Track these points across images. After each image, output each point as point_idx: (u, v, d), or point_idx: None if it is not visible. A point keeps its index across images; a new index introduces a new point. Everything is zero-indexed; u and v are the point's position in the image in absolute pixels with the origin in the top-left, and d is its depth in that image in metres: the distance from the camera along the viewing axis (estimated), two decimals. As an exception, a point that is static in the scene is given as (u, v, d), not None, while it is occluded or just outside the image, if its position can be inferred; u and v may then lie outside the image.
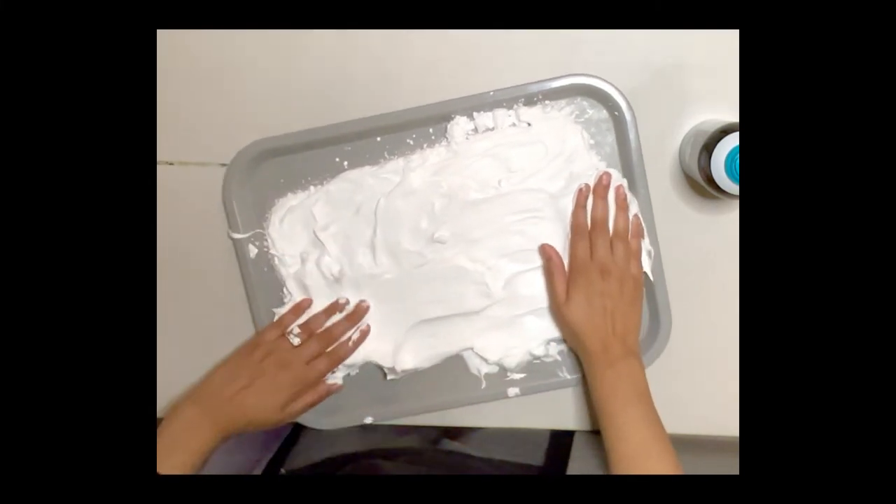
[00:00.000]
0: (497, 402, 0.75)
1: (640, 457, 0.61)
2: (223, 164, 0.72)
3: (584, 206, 0.70)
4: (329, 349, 0.72)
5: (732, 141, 0.59)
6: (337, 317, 0.73)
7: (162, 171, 0.73)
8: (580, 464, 0.75)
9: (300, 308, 0.73)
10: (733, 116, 0.68)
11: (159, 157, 0.72)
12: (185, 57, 0.71)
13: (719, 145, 0.59)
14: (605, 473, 0.63)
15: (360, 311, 0.73)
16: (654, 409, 0.64)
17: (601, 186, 0.69)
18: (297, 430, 0.87)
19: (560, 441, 0.80)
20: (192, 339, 0.75)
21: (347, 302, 0.73)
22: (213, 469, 0.67)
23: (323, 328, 0.72)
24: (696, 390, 0.74)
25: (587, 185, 0.70)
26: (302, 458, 0.82)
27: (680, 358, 0.73)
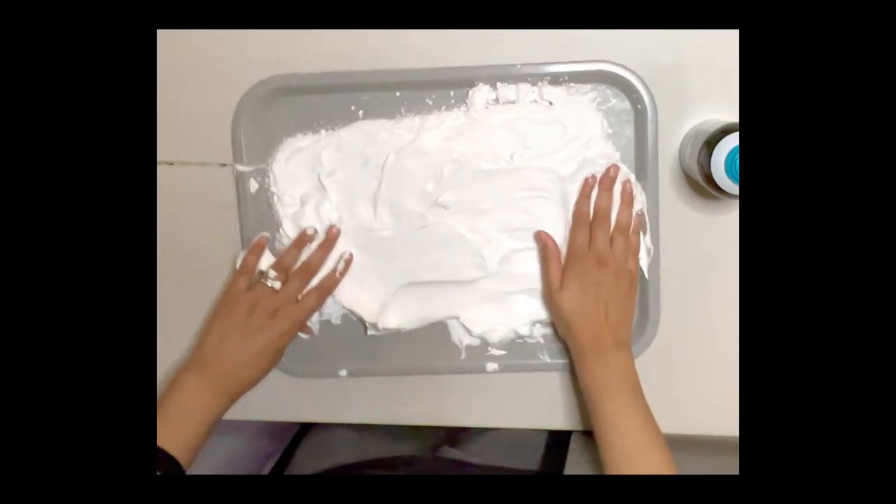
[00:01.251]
0: (496, 402, 0.75)
1: (632, 448, 0.61)
2: (223, 164, 0.72)
3: (588, 197, 0.69)
4: (316, 283, 0.71)
5: (732, 141, 0.59)
6: (308, 248, 0.71)
7: (162, 171, 0.72)
8: (577, 468, 0.75)
9: (259, 246, 0.71)
10: (733, 116, 0.68)
11: (159, 157, 0.72)
12: (185, 57, 0.71)
13: (719, 145, 0.59)
14: (600, 472, 0.63)
15: (331, 237, 0.71)
16: (644, 401, 0.64)
17: (607, 178, 0.69)
18: (294, 442, 0.87)
19: (557, 445, 0.79)
20: (192, 339, 0.75)
21: (315, 231, 0.71)
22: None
23: (298, 263, 0.71)
24: (695, 390, 0.74)
25: (594, 176, 0.69)
26: (300, 469, 0.81)
27: (680, 358, 0.73)
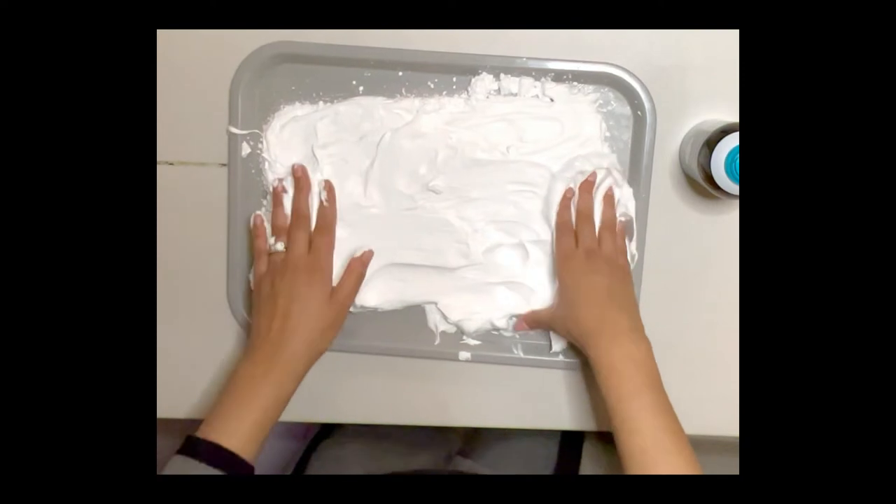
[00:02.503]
0: (503, 402, 0.75)
1: (655, 451, 0.57)
2: (223, 164, 0.72)
3: (569, 207, 0.69)
4: (314, 226, 0.69)
5: (732, 141, 0.59)
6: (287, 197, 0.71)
7: (162, 171, 0.72)
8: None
9: (257, 227, 0.70)
10: (733, 116, 0.68)
11: (159, 157, 0.72)
12: (185, 57, 0.71)
13: (719, 145, 0.59)
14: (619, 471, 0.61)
15: (301, 178, 0.69)
16: (666, 398, 0.60)
17: (587, 183, 0.69)
18: (306, 457, 0.87)
19: (569, 453, 0.79)
20: (191, 339, 0.75)
21: (281, 181, 0.70)
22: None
23: (289, 217, 0.70)
24: (695, 390, 0.73)
25: (571, 189, 0.69)
26: None
27: (680, 358, 0.73)
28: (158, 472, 0.57)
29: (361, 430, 0.90)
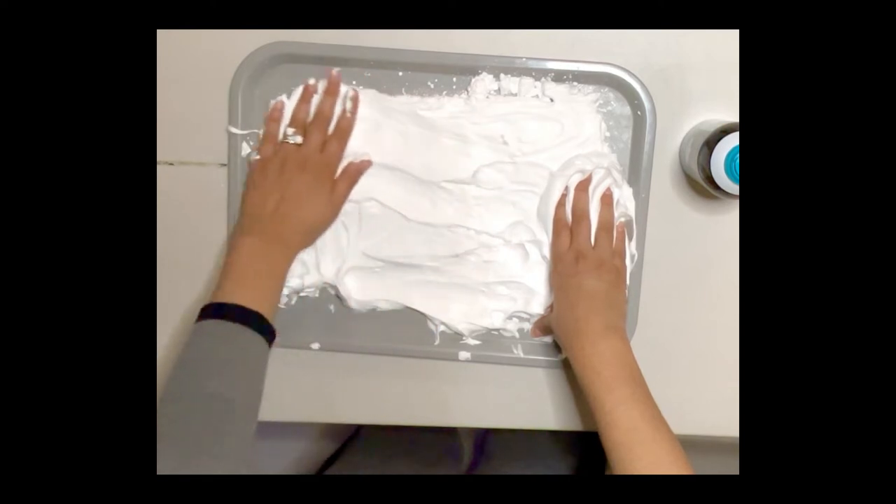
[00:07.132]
0: (503, 402, 0.75)
1: (633, 441, 0.58)
2: (223, 164, 0.72)
3: (564, 205, 0.69)
4: (331, 130, 0.70)
5: (732, 141, 0.59)
6: (316, 97, 0.71)
7: (162, 171, 0.72)
8: None
9: (276, 112, 0.70)
10: (733, 116, 0.68)
11: (159, 157, 0.72)
12: (185, 57, 0.71)
13: (719, 145, 0.60)
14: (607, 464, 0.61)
15: (334, 81, 0.70)
16: (645, 389, 0.60)
17: (582, 182, 0.69)
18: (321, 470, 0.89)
19: (588, 460, 0.80)
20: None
21: (316, 82, 0.70)
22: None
23: (311, 115, 0.70)
24: (695, 391, 0.74)
25: (568, 188, 0.69)
26: None
27: (679, 359, 0.73)
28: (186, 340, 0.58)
29: (369, 454, 0.92)
